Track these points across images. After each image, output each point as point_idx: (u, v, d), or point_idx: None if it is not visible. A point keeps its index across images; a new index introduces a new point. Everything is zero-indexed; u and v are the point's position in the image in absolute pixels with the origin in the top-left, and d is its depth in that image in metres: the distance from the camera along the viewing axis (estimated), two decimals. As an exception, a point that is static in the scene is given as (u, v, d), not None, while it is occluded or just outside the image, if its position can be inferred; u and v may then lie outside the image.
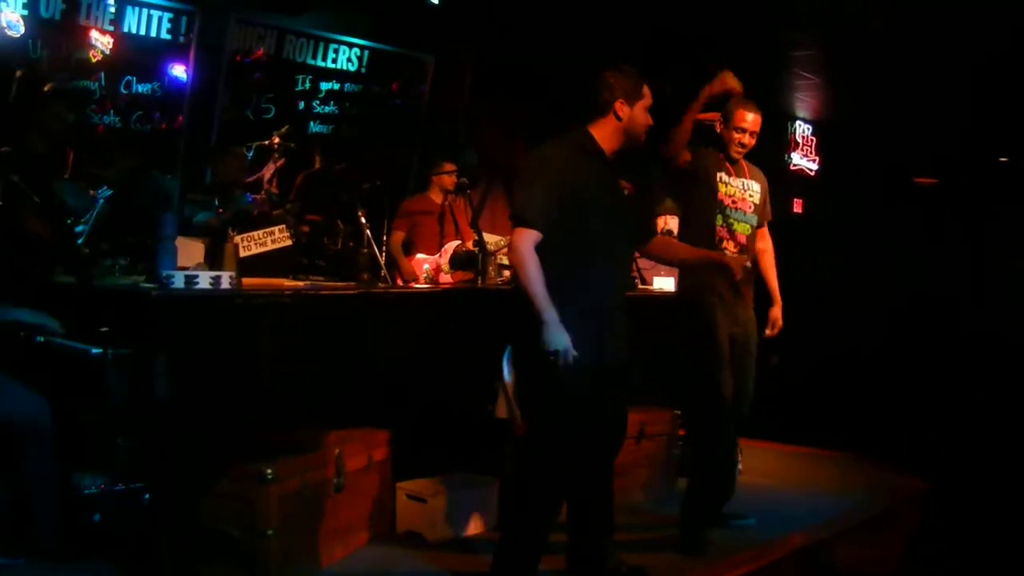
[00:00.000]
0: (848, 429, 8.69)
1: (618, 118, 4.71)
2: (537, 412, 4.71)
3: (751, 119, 5.82)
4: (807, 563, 5.02)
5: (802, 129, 14.59)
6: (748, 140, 5.85)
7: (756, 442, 7.92)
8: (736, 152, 5.85)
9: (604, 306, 4.68)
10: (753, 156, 5.94)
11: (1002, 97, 11.28)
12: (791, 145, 14.37)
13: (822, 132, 14.82)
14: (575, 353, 4.40)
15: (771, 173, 6.13)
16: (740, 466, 7.24)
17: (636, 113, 4.72)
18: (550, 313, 4.39)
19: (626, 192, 4.84)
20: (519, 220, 4.53)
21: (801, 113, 14.29)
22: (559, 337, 4.38)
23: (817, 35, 10.12)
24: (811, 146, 14.82)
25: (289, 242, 5.74)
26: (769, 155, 13.62)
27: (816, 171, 14.86)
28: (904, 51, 10.18)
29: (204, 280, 4.50)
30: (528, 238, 4.48)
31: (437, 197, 8.07)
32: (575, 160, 4.65)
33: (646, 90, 4.77)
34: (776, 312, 6.13)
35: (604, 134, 4.73)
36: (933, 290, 13.42)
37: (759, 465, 7.47)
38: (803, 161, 14.64)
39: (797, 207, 14.58)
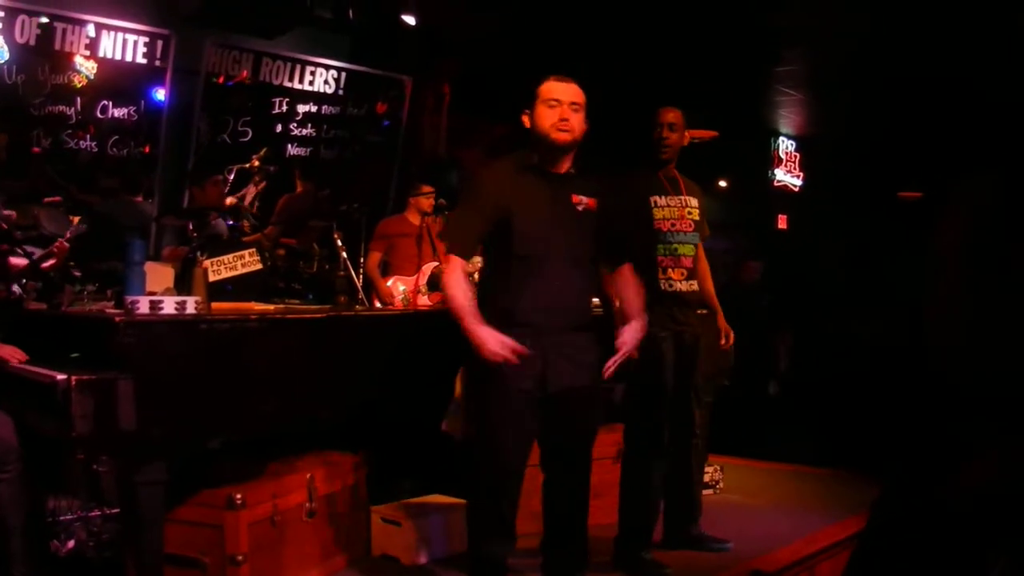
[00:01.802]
0: (833, 446, 8.66)
1: (527, 128, 4.56)
2: (474, 434, 4.63)
3: (671, 115, 5.59)
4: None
5: (786, 145, 14.62)
6: (668, 134, 5.58)
7: (738, 460, 7.91)
8: (665, 153, 5.60)
9: (546, 327, 4.48)
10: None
11: (985, 109, 11.29)
12: (775, 161, 14.39)
13: (806, 148, 14.85)
14: (515, 359, 4.26)
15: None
16: (721, 484, 7.23)
17: (536, 115, 4.52)
18: (471, 322, 4.32)
19: (581, 208, 4.55)
20: (448, 248, 4.59)
21: (784, 129, 14.31)
22: (490, 338, 4.26)
23: (799, 50, 10.14)
24: (795, 162, 14.85)
25: (259, 266, 5.70)
26: (753, 171, 13.75)
27: (800, 187, 14.90)
28: (886, 65, 10.20)
29: (169, 305, 4.47)
30: (454, 266, 4.47)
31: (415, 218, 8.04)
32: (504, 177, 4.53)
33: (543, 87, 4.53)
34: (723, 321, 5.96)
35: (535, 146, 4.55)
36: (919, 305, 13.40)
37: (741, 483, 7.44)
38: (787, 177, 14.66)
39: (781, 223, 14.59)
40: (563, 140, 4.46)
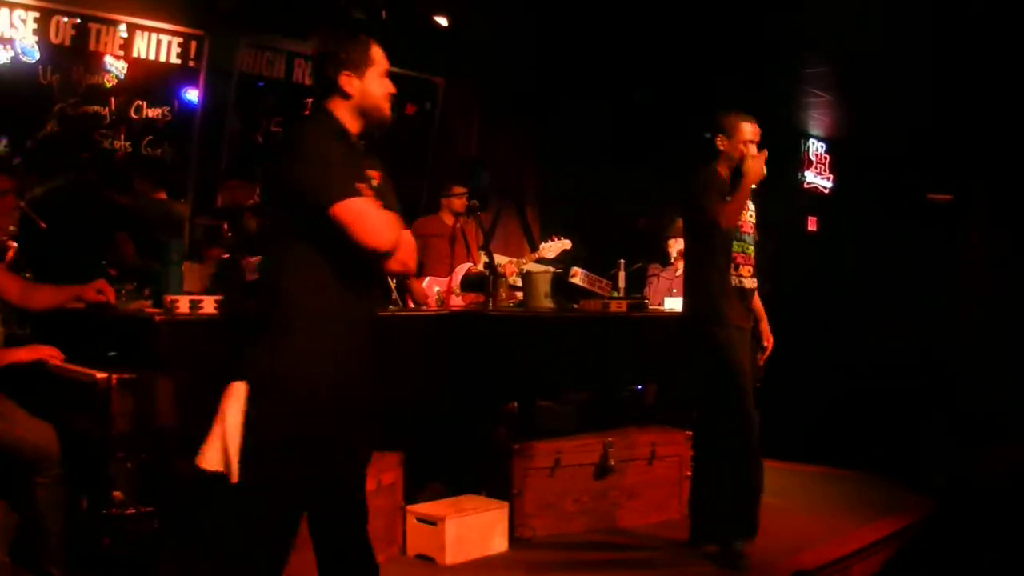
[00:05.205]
0: (861, 448, 8.63)
1: (346, 95, 3.82)
2: (260, 462, 3.72)
3: (756, 130, 5.77)
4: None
5: (816, 147, 14.55)
6: (755, 151, 5.76)
7: (766, 461, 7.88)
8: (749, 169, 5.71)
9: (353, 323, 3.82)
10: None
11: (1016, 111, 11.24)
12: (805, 163, 14.32)
13: (836, 150, 14.78)
14: None
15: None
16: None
17: (367, 84, 3.83)
18: None
19: (375, 182, 3.79)
20: (341, 194, 3.60)
21: (814, 131, 14.25)
22: None
23: (828, 53, 10.12)
24: (825, 164, 14.77)
25: (295, 265, 5.73)
26: (783, 173, 13.70)
27: (830, 189, 14.82)
28: (915, 68, 10.17)
29: (208, 304, 4.50)
30: (368, 203, 3.64)
31: (448, 219, 8.07)
32: (332, 144, 3.74)
33: (375, 54, 3.87)
34: (766, 327, 6.16)
35: (343, 114, 3.84)
36: (948, 307, 13.34)
37: (769, 484, 7.41)
38: (817, 179, 14.58)
39: (812, 225, 14.52)
40: None
